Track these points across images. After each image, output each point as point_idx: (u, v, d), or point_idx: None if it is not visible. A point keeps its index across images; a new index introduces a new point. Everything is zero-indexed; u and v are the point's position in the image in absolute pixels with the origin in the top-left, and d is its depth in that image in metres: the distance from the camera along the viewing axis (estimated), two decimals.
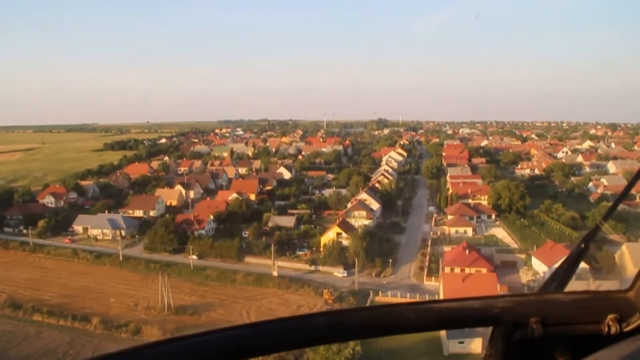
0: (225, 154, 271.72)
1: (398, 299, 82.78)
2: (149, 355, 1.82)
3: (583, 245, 2.69)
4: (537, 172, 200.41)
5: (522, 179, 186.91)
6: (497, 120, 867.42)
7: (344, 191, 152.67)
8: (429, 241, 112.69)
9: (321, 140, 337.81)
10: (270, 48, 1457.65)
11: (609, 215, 3.10)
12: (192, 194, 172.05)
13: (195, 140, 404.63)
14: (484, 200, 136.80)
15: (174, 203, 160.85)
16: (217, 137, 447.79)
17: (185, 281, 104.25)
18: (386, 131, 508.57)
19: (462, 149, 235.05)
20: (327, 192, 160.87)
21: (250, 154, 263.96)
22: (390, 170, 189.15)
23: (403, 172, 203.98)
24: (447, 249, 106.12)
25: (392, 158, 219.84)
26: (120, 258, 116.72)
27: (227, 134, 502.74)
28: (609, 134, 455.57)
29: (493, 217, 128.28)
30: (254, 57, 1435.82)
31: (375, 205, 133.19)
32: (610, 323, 2.31)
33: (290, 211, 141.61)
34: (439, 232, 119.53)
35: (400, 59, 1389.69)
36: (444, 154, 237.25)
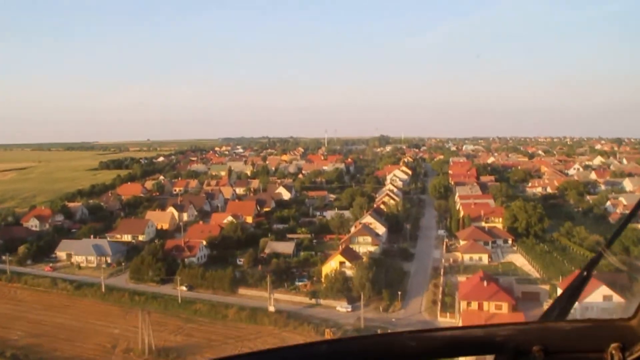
0: (223, 173, 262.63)
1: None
2: None
3: (585, 274, 2.68)
4: (549, 190, 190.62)
5: (534, 198, 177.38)
6: (499, 136, 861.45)
7: (347, 213, 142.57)
8: (441, 270, 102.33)
9: (322, 158, 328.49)
10: (271, 66, 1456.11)
11: (613, 241, 2.95)
12: (185, 216, 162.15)
13: (194, 159, 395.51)
14: (498, 223, 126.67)
15: (166, 226, 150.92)
16: (217, 155, 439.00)
17: (171, 317, 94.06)
18: (388, 148, 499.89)
19: (470, 167, 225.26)
20: (328, 214, 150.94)
21: (248, 172, 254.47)
22: (395, 189, 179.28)
23: (408, 192, 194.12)
24: (461, 279, 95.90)
25: (397, 177, 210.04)
26: (103, 289, 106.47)
27: (227, 152, 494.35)
28: (615, 149, 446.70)
29: (509, 241, 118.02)
30: (255, 75, 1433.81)
31: (380, 229, 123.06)
32: (613, 352, 2.31)
33: (289, 236, 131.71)
34: (451, 259, 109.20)
35: (401, 75, 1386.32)
36: (450, 172, 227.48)
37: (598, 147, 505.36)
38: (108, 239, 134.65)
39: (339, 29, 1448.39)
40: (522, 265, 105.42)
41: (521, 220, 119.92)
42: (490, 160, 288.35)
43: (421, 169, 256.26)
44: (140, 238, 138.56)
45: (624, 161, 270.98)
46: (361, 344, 2.35)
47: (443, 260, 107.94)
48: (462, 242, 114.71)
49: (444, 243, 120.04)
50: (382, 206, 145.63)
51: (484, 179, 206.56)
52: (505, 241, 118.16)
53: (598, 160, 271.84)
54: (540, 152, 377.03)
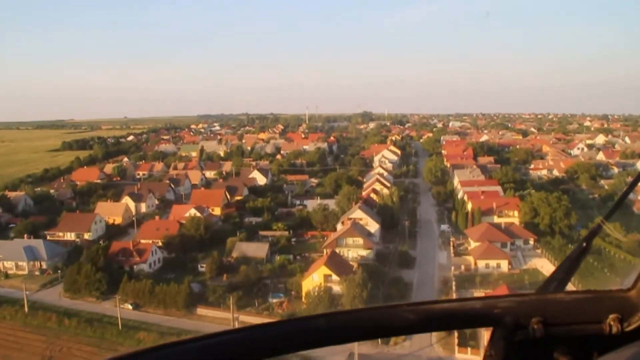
0: (194, 154, 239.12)
1: None
2: None
3: (584, 245, 2.67)
4: (556, 173, 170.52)
5: (540, 183, 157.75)
6: (482, 112, 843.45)
7: (331, 203, 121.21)
8: (452, 282, 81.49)
9: (303, 136, 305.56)
10: (251, 42, 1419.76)
11: (612, 214, 2.93)
12: (143, 207, 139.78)
13: (166, 137, 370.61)
14: (513, 218, 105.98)
15: (118, 221, 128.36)
16: (192, 133, 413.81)
17: (106, 351, 72.40)
18: (372, 125, 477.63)
19: (465, 147, 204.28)
20: (310, 203, 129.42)
21: (222, 153, 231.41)
22: (385, 173, 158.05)
23: (399, 175, 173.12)
24: (479, 294, 74.91)
25: (386, 158, 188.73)
26: (26, 309, 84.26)
27: (202, 130, 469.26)
28: (605, 125, 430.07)
29: (531, 242, 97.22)
30: (235, 52, 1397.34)
31: (373, 226, 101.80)
32: (612, 323, 2.32)
33: (262, 233, 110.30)
34: (462, 267, 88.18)
35: (383, 52, 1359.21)
36: (444, 152, 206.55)
37: (587, 123, 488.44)
38: (47, 237, 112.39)
39: (319, 4, 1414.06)
40: (550, 273, 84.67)
41: (543, 214, 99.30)
42: (483, 138, 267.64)
43: (411, 148, 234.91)
44: (86, 236, 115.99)
45: (627, 139, 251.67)
46: (359, 317, 2.33)
47: (452, 268, 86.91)
48: (473, 244, 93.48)
49: (451, 243, 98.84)
50: (372, 195, 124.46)
51: (482, 160, 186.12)
52: (526, 242, 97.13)
53: (601, 138, 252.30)
54: (532, 129, 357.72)
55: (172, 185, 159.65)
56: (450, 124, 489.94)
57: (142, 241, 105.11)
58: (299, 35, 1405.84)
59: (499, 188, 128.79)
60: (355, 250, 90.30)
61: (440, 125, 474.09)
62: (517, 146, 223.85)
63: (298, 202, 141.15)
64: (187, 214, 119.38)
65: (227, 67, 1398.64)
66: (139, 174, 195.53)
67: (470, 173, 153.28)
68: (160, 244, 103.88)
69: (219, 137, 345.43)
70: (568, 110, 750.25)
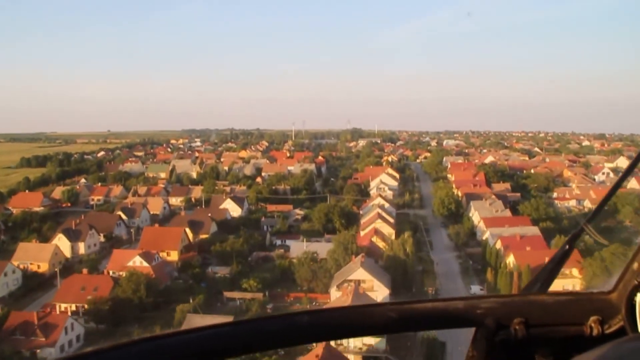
0: (163, 175, 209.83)
1: None
2: (127, 354, 1.79)
3: (567, 247, 2.69)
4: (587, 204, 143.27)
5: (572, 216, 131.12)
6: (472, 130, 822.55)
7: (321, 248, 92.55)
8: None
9: (288, 154, 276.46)
10: (238, 56, 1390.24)
11: (594, 217, 2.95)
12: (82, 247, 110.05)
13: (140, 154, 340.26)
14: (573, 279, 77.14)
15: (44, 268, 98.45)
16: (169, 149, 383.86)
17: None
18: (362, 142, 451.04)
19: (475, 171, 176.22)
20: (294, 246, 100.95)
21: (194, 174, 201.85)
22: (386, 205, 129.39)
23: (402, 205, 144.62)
24: None
25: (384, 184, 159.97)
26: None
27: (181, 145, 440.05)
28: (606, 146, 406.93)
29: None
30: (221, 66, 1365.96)
31: (381, 292, 71.95)
32: (593, 325, 2.33)
33: (228, 295, 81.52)
34: None
35: (373, 68, 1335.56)
36: (451, 176, 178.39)
37: (585, 143, 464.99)
38: None
39: (308, 20, 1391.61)
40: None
41: None
42: (488, 159, 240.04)
43: (410, 171, 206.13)
44: None
45: None
46: (343, 315, 2.33)
47: None
48: None
49: None
50: (375, 239, 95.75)
51: (496, 187, 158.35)
52: None
53: (623, 161, 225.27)
54: (537, 149, 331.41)
55: (125, 217, 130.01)
56: (445, 142, 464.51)
57: (62, 305, 76.07)
58: (285, 49, 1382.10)
59: (535, 229, 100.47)
60: (359, 340, 60.72)
61: (434, 143, 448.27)
62: (532, 170, 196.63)
63: (279, 242, 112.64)
64: (130, 262, 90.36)
65: (213, 81, 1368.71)
66: (93, 200, 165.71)
67: (490, 206, 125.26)
68: (82, 310, 74.64)
69: (196, 154, 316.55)
70: (558, 128, 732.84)
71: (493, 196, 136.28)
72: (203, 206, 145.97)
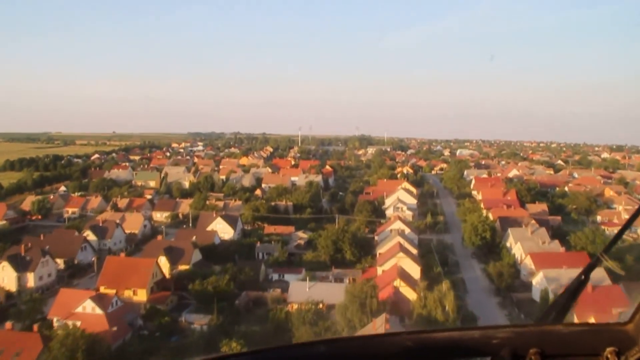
0: (153, 183, 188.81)
1: None
2: None
3: (583, 277, 2.70)
4: None
5: (621, 245, 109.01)
6: (482, 139, 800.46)
7: (330, 292, 71.21)
8: None
9: (293, 162, 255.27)
10: (248, 60, 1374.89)
11: (610, 247, 2.95)
12: (31, 279, 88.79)
13: (136, 157, 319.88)
14: None
15: None
16: (167, 154, 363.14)
17: None
18: (370, 150, 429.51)
19: (505, 188, 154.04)
20: (295, 287, 79.59)
21: (187, 184, 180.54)
22: (406, 230, 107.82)
23: (424, 229, 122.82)
24: None
25: (402, 202, 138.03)
26: None
27: (182, 149, 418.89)
28: (628, 159, 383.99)
29: None
30: (230, 69, 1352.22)
31: None
32: (609, 356, 2.31)
33: None
34: None
35: (381, 73, 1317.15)
36: (477, 194, 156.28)
37: (604, 155, 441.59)
38: None
39: (318, 25, 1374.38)
40: None
41: None
42: (512, 173, 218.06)
43: (429, 185, 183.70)
44: None
45: None
46: (360, 344, 2.34)
47: None
48: None
49: None
50: (398, 283, 74.00)
51: (531, 207, 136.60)
52: None
53: None
54: (560, 162, 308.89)
55: (95, 237, 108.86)
56: (458, 152, 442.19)
57: None
58: (294, 53, 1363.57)
59: (603, 274, 78.37)
60: None
61: (447, 152, 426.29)
62: (565, 187, 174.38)
63: (276, 276, 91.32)
64: (80, 308, 69.23)
65: (221, 84, 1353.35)
66: (67, 212, 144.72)
67: (533, 234, 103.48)
68: None
69: (195, 159, 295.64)
70: (569, 139, 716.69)
71: (533, 221, 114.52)
72: (190, 224, 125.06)
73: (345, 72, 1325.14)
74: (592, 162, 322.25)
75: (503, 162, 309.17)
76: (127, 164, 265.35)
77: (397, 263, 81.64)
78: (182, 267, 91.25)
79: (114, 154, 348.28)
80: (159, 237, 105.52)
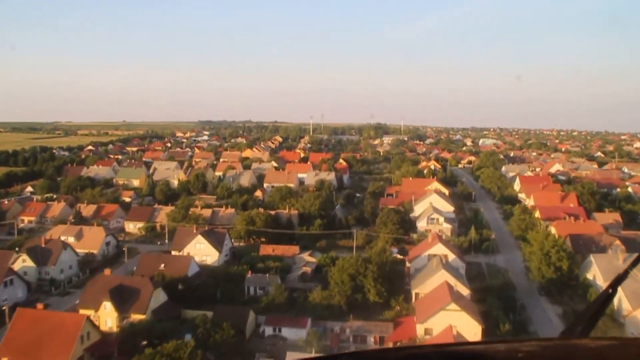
0: (136, 182, 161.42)
1: None
2: None
3: (610, 290, 2.69)
4: None
5: None
6: (500, 127, 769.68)
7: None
8: None
9: (302, 154, 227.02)
10: (260, 48, 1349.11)
11: (638, 262, 2.98)
12: None
13: (133, 149, 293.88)
14: None
15: None
16: (169, 144, 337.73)
17: None
18: (387, 139, 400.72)
19: (563, 193, 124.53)
20: (293, 358, 51.78)
21: (176, 182, 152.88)
22: (451, 256, 79.51)
23: (467, 249, 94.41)
24: None
25: (437, 211, 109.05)
26: None
27: (186, 139, 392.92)
28: None
29: None
30: (241, 57, 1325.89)
31: None
32: None
33: None
34: None
35: (395, 62, 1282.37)
36: (527, 199, 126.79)
37: (638, 144, 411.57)
38: None
39: (330, 13, 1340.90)
40: None
41: None
42: (554, 168, 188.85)
43: (462, 185, 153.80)
44: None
45: None
46: (383, 357, 2.34)
47: None
48: None
49: None
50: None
51: (600, 217, 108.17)
52: None
53: None
54: (600, 154, 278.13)
55: (33, 264, 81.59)
56: (481, 142, 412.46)
57: None
58: (307, 40, 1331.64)
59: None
60: None
61: (469, 142, 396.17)
62: (628, 187, 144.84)
63: (270, 330, 63.52)
64: None
65: (233, 72, 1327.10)
66: (23, 221, 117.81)
67: (626, 264, 74.46)
68: None
69: (195, 149, 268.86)
70: (589, 127, 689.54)
71: (617, 241, 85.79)
72: (167, 239, 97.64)
73: (359, 60, 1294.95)
74: (624, 152, 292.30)
75: (534, 154, 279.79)
76: (120, 156, 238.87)
77: (449, 326, 53.36)
78: (136, 317, 63.73)
79: (110, 145, 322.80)
80: (107, 271, 75.73)
